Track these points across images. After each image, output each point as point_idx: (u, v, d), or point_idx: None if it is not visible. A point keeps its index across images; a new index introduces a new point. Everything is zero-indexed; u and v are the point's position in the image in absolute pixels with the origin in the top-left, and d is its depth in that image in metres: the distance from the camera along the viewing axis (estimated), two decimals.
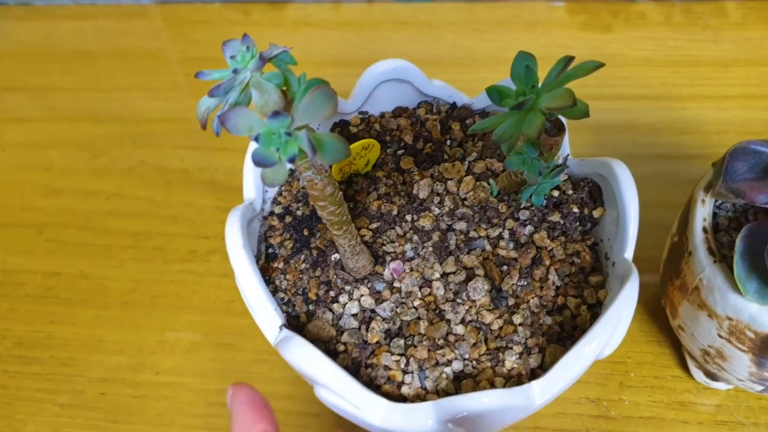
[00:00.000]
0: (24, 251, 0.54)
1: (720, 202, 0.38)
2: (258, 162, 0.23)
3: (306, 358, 0.29)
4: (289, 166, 0.24)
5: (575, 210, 0.34)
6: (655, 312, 0.46)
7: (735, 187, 0.34)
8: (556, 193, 0.35)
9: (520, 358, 0.31)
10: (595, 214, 0.34)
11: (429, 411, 0.28)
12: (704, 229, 0.36)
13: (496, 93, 0.29)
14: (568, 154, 0.36)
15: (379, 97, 0.39)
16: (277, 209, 0.36)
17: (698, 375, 0.43)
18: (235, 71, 0.25)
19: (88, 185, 0.58)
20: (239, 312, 0.49)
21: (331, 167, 0.29)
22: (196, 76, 0.26)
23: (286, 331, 0.31)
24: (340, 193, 0.29)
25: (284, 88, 0.26)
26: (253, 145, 0.35)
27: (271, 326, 0.31)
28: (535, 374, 0.30)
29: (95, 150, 0.60)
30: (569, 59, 0.28)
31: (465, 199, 0.35)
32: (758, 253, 0.32)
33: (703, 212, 0.37)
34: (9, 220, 0.56)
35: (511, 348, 0.31)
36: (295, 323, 0.33)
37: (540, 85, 0.28)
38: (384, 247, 0.34)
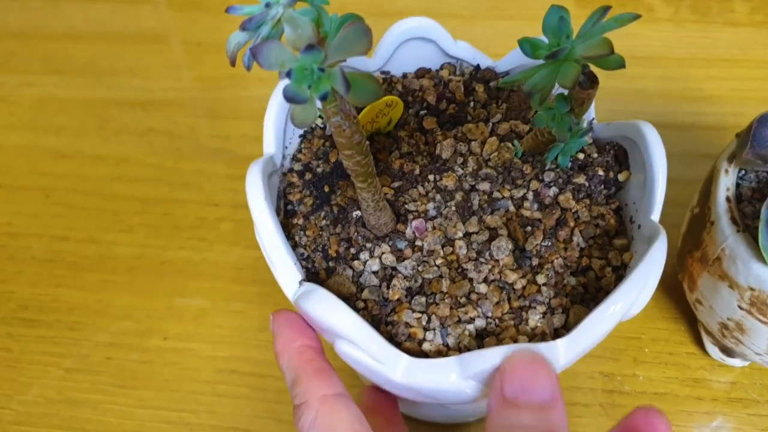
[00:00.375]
0: (31, 214, 0.53)
1: (743, 173, 0.38)
2: (289, 98, 0.22)
3: (330, 309, 0.28)
4: (319, 105, 0.23)
5: (600, 173, 0.34)
6: (671, 288, 0.46)
7: (763, 153, 0.34)
8: (581, 156, 0.34)
9: (543, 317, 0.30)
10: (620, 177, 0.34)
11: (452, 365, 0.27)
12: (727, 199, 0.36)
13: (528, 44, 0.28)
14: (593, 118, 0.36)
15: (402, 57, 0.39)
16: (297, 166, 0.36)
17: (714, 351, 0.42)
18: (267, 5, 0.24)
19: (97, 150, 0.57)
20: (248, 280, 0.48)
21: (358, 115, 0.29)
22: (226, 11, 0.25)
23: (307, 285, 0.30)
24: (367, 142, 0.28)
25: (317, 27, 0.26)
26: (276, 95, 0.35)
27: (291, 281, 0.31)
28: (558, 334, 0.30)
29: (106, 116, 0.60)
30: (605, 9, 0.27)
31: (488, 160, 0.34)
32: None
33: (726, 182, 0.37)
34: (16, 183, 0.55)
35: (535, 308, 0.30)
36: (314, 279, 0.32)
37: (574, 37, 0.28)
38: (406, 206, 0.33)
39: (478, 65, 0.39)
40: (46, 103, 0.62)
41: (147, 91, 0.62)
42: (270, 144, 0.35)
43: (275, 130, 0.35)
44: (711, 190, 0.38)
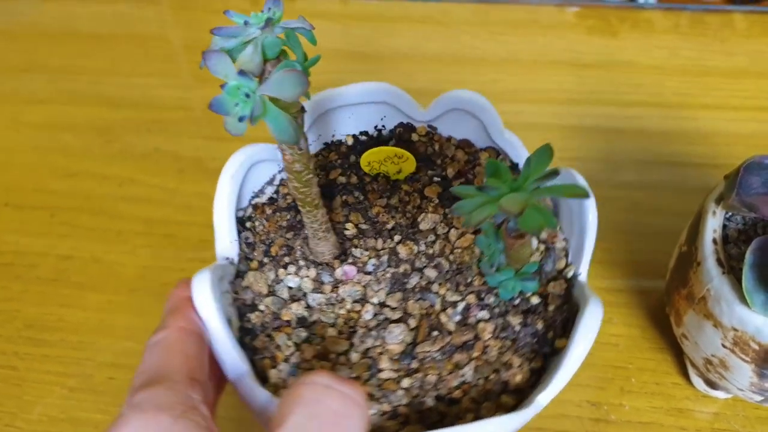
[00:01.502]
0: (36, 233, 0.54)
1: (730, 214, 0.39)
2: (212, 105, 0.25)
3: (199, 294, 0.29)
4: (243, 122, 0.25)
5: (539, 326, 0.31)
6: (659, 319, 0.47)
7: (748, 201, 0.35)
8: (536, 300, 0.32)
9: (381, 416, 0.29)
10: (557, 343, 0.31)
11: (266, 398, 0.28)
12: (714, 241, 0.37)
13: (493, 168, 0.27)
14: (578, 274, 0.33)
15: (452, 121, 0.38)
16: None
17: (698, 383, 0.43)
18: (245, 23, 0.26)
19: (102, 170, 0.58)
20: None
21: (307, 149, 0.29)
22: (224, 13, 0.26)
23: (219, 265, 0.32)
24: (311, 176, 0.30)
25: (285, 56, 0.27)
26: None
27: (222, 254, 0.33)
28: None
29: (111, 135, 0.61)
30: (554, 173, 0.26)
31: (453, 252, 0.34)
32: (767, 266, 0.33)
33: (713, 224, 0.38)
34: (22, 202, 0.56)
35: (381, 402, 0.29)
36: (245, 264, 0.34)
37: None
38: (354, 249, 0.34)
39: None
40: (53, 120, 0.63)
41: (151, 110, 0.63)
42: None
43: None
44: (699, 230, 0.38)
